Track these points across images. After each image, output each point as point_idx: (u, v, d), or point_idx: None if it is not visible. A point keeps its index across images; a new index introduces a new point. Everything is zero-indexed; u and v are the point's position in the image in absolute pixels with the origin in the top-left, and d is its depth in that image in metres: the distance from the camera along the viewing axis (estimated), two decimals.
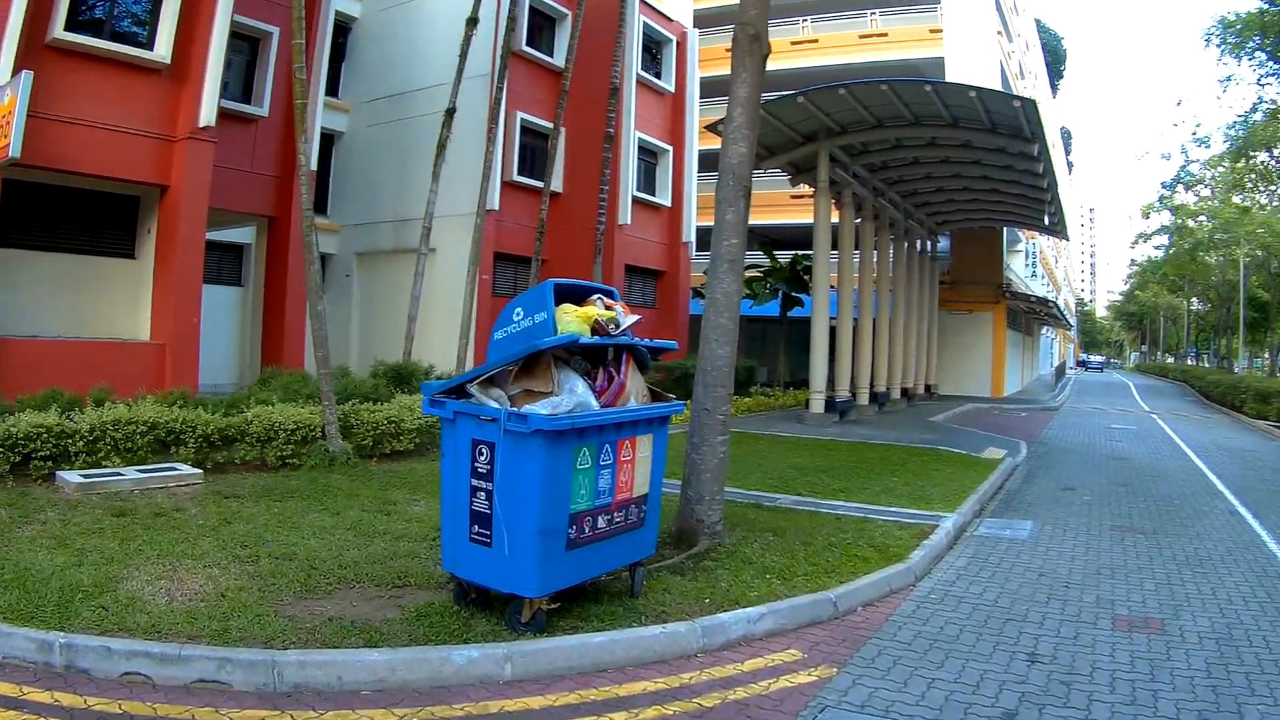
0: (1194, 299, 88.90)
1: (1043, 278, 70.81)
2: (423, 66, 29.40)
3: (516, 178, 29.21)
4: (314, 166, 20.97)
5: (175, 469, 13.01)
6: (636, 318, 8.52)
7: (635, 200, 32.30)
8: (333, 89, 31.70)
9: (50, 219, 18.93)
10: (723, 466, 10.85)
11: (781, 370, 37.45)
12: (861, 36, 43.42)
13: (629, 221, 31.58)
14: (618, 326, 8.19)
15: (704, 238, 36.80)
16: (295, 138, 18.01)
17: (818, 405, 26.43)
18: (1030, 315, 56.94)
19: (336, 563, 8.86)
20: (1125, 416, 37.50)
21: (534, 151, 30.00)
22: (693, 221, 35.67)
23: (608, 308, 8.39)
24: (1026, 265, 58.02)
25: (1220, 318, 75.97)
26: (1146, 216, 68.03)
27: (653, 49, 34.68)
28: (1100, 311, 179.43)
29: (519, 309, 8.09)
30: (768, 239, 39.50)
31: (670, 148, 34.62)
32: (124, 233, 19.84)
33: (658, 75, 34.63)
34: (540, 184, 27.19)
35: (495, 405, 7.61)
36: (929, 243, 39.31)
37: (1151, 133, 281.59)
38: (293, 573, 8.41)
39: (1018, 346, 52.48)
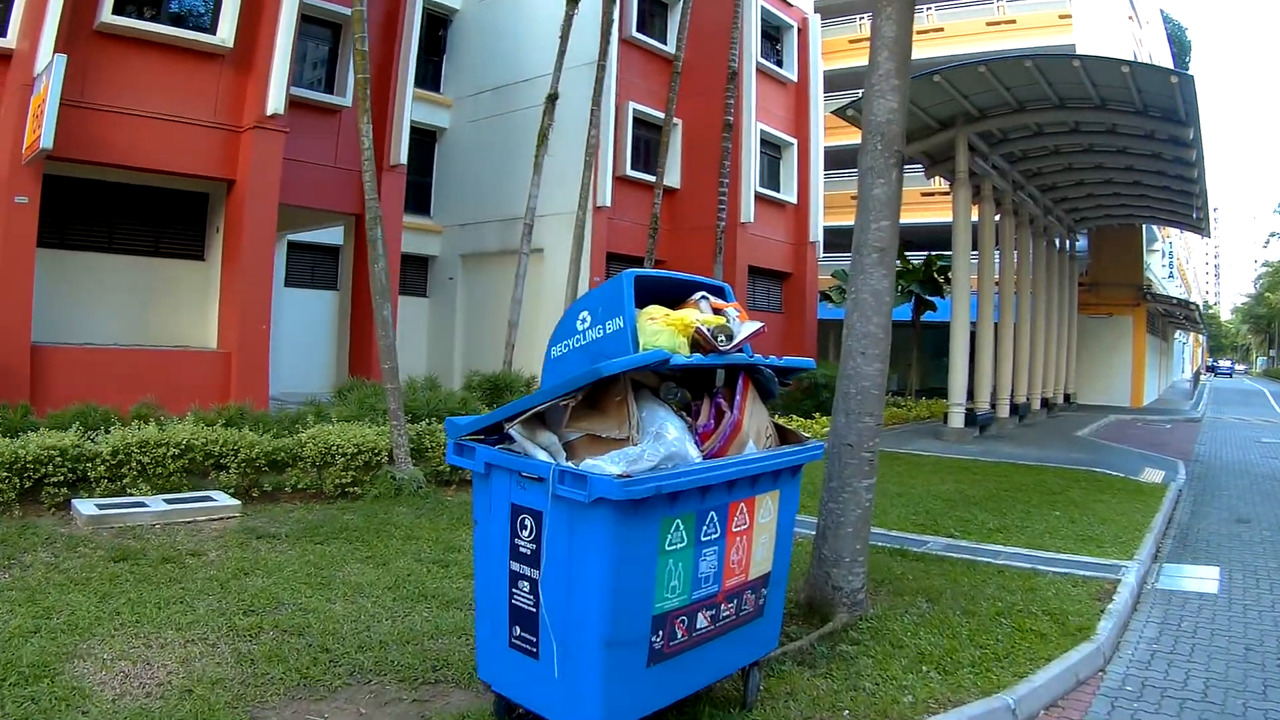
0: None
1: (1177, 279, 66.30)
2: (526, 56, 27.50)
3: (629, 172, 27.22)
4: (403, 159, 21.09)
5: (211, 499, 11.12)
6: (758, 325, 5.87)
7: (758, 196, 29.72)
8: (434, 84, 30.64)
9: (110, 218, 17.48)
10: (868, 518, 8.11)
11: (913, 379, 34.48)
12: (989, 24, 40.18)
13: (752, 219, 29.05)
14: (730, 338, 5.55)
15: (829, 239, 35.35)
16: (380, 128, 17.83)
17: (957, 419, 23.54)
18: (1167, 319, 52.92)
19: (358, 642, 6.75)
20: (1269, 427, 34.10)
21: (649, 145, 27.93)
22: (819, 220, 32.83)
23: (716, 311, 5.76)
24: (1164, 265, 53.93)
25: None
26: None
27: (772, 35, 31.91)
28: (1224, 315, 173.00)
29: (585, 312, 5.62)
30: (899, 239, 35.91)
31: (794, 141, 31.84)
32: (192, 233, 18.34)
33: (779, 63, 31.82)
34: (650, 177, 25.22)
35: (544, 456, 5.05)
36: (1068, 241, 35.96)
37: None
38: (296, 656, 6.38)
39: (1155, 352, 48.38)
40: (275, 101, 16.63)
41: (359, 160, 19.55)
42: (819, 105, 32.56)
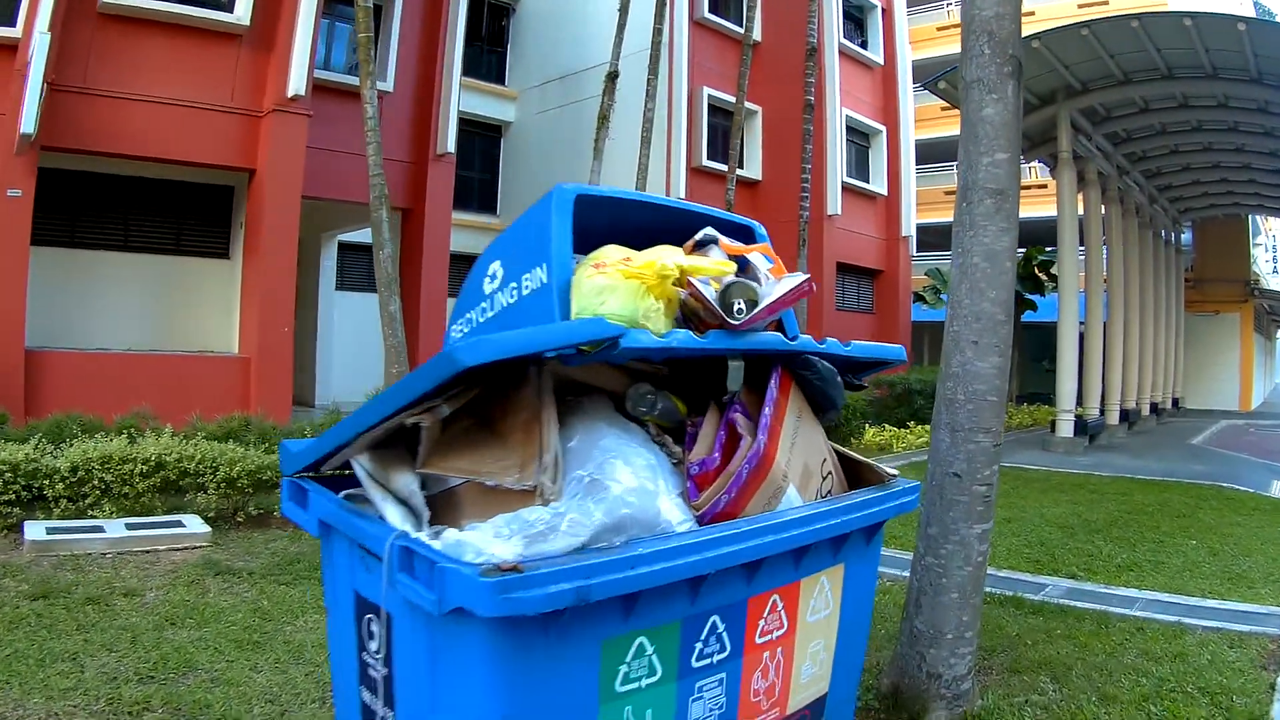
0: None
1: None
2: (591, 41, 25.48)
3: (706, 163, 24.89)
4: (450, 148, 19.31)
5: (180, 524, 9.25)
6: (801, 279, 3.34)
7: (845, 187, 26.98)
8: (498, 76, 29.21)
9: (125, 213, 15.89)
10: (980, 579, 5.47)
11: (1015, 384, 31.12)
12: (1080, 6, 37.05)
13: (839, 211, 26.34)
14: (753, 304, 3.08)
15: (922, 237, 32.84)
16: (425, 115, 17.67)
17: (1066, 428, 20.67)
18: (1271, 316, 48.09)
19: None
20: None
21: (729, 135, 25.00)
22: (911, 214, 29.89)
23: (735, 258, 3.34)
24: (1268, 260, 49.43)
25: None
26: None
27: (856, 17, 29.14)
28: None
29: (495, 263, 3.36)
30: None
31: (883, 128, 28.99)
32: (215, 228, 16.70)
33: (863, 45, 29.02)
34: (737, 171, 22.80)
35: (394, 515, 2.75)
36: (1173, 234, 32.77)
37: None
38: None
39: (1262, 351, 44.64)
40: (296, 82, 15.00)
41: (405, 149, 19.19)
42: (908, 91, 29.67)
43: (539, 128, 27.94)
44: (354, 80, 17.63)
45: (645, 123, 19.25)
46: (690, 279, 2.92)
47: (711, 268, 3.02)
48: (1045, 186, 28.20)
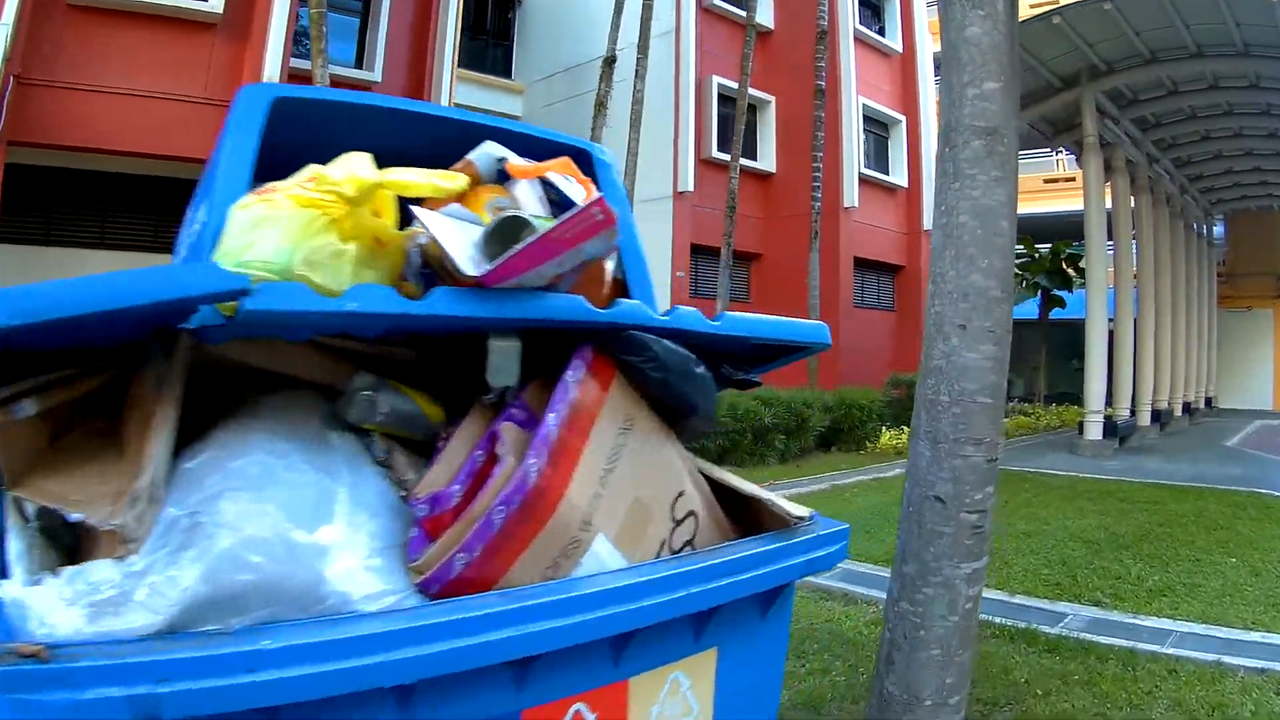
0: None
1: None
2: (598, 30, 23.65)
3: (715, 154, 23.68)
4: None
5: None
6: (586, 204, 1.98)
7: (862, 179, 25.63)
8: (504, 69, 28.33)
9: (103, 210, 15.50)
10: (971, 630, 4.17)
11: (1042, 383, 30.08)
12: None
13: (855, 204, 24.97)
14: (512, 236, 1.82)
15: None
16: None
17: (1095, 430, 19.19)
18: None
19: None
20: None
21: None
22: (933, 208, 28.01)
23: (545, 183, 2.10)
24: None
25: None
26: None
27: (872, 2, 27.88)
28: None
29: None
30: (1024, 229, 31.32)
31: (902, 118, 27.64)
32: None
33: (880, 32, 27.73)
34: (749, 163, 23.15)
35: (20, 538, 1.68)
36: (1205, 226, 31.18)
37: None
38: None
39: None
40: (271, 72, 14.36)
41: None
42: (928, 79, 28.24)
43: (546, 121, 25.66)
44: (345, 70, 17.23)
45: (634, 104, 18.40)
46: (419, 211, 1.75)
47: (426, 184, 1.84)
48: (1073, 180, 26.82)
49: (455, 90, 23.35)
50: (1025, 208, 31.15)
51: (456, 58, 19.20)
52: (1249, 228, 33.81)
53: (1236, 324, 33.87)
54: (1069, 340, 27.69)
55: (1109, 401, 20.43)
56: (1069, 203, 28.40)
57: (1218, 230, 33.99)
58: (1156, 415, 23.15)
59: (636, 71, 18.34)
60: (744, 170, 22.87)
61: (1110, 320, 20.55)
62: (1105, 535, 10.35)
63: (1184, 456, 18.44)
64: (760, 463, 15.53)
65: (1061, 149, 22.85)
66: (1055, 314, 29.28)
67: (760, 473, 14.34)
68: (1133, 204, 22.37)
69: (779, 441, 16.17)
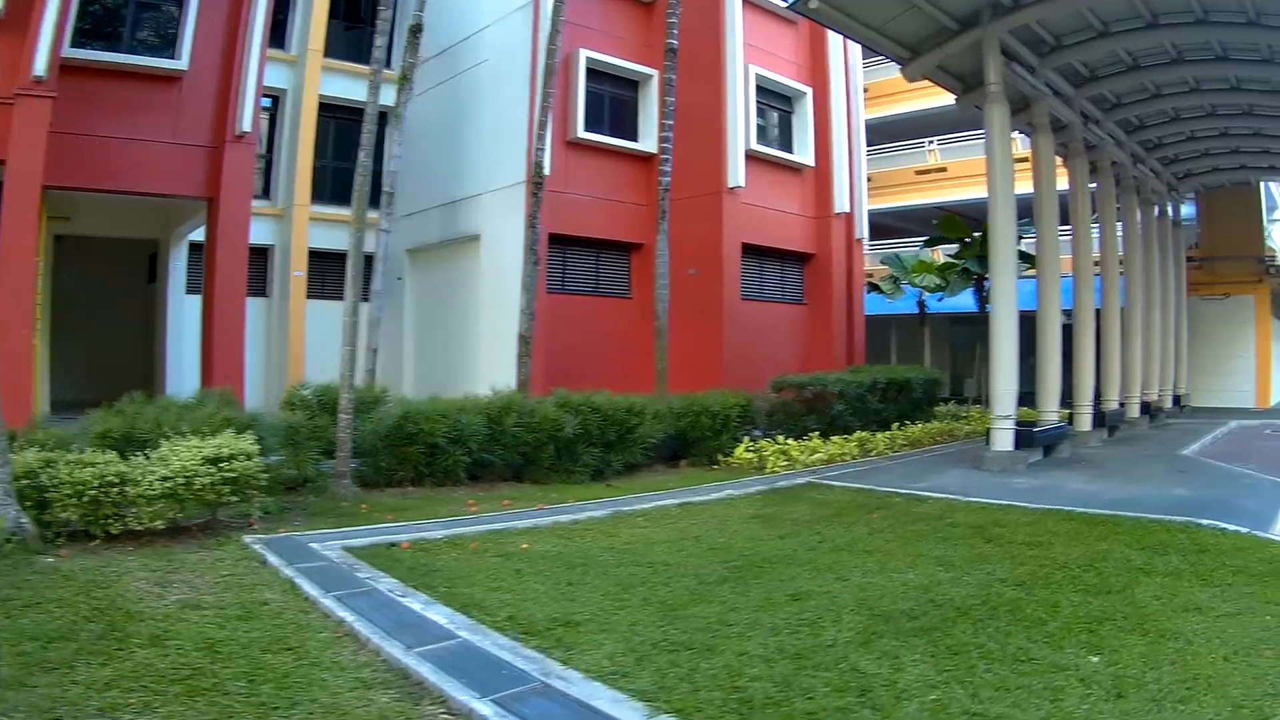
0: None
1: None
2: (469, 9, 22.19)
3: (583, 134, 20.12)
4: (247, 127, 16.46)
5: None
6: None
7: (754, 157, 21.34)
8: (386, 60, 23.96)
9: None
10: None
11: (984, 382, 25.12)
12: None
13: (741, 184, 20.62)
14: None
15: (886, 221, 29.38)
16: (224, 92, 15.97)
17: (1003, 439, 14.62)
18: None
19: None
20: None
21: (619, 104, 21.40)
22: (848, 190, 23.67)
23: None
24: None
25: None
26: None
27: None
28: None
29: None
30: (965, 217, 26.46)
31: (808, 90, 23.16)
32: None
33: None
34: (626, 144, 20.67)
35: None
36: (1171, 205, 26.47)
37: None
38: None
39: None
40: (41, 63, 13.28)
41: (206, 134, 16.52)
42: (839, 49, 23.61)
43: (418, 111, 22.84)
44: (148, 60, 15.91)
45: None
46: None
47: None
48: (1025, 160, 22.54)
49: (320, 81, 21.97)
50: (969, 193, 27.04)
51: (265, 44, 17.19)
52: (1221, 208, 28.97)
53: (1213, 312, 28.94)
54: (1023, 335, 23.10)
55: (1034, 404, 16.35)
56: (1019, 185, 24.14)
57: (1189, 211, 29.40)
58: (1101, 418, 18.63)
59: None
60: (621, 152, 20.74)
61: (1030, 312, 16.49)
62: (920, 601, 6.73)
63: (1121, 471, 14.18)
64: (566, 479, 12.86)
65: (974, 107, 18.14)
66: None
67: (551, 493, 11.82)
68: (1063, 164, 18.04)
69: (591, 455, 13.38)
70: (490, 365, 18.49)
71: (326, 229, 22.86)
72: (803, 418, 17.09)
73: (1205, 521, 9.58)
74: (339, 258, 22.28)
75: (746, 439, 15.26)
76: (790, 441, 15.42)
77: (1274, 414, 26.19)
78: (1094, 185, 19.98)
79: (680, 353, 19.10)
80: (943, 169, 30.24)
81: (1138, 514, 10.12)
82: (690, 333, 19.82)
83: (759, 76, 21.65)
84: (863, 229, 24.20)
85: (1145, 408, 21.71)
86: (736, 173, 20.54)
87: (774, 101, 22.82)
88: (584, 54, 20.21)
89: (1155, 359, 23.10)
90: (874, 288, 24.00)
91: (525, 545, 8.49)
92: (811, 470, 14.16)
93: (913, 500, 11.45)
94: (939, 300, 24.98)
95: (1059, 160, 18.18)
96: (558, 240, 19.68)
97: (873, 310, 25.94)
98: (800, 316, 23.09)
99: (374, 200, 23.68)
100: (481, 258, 20.28)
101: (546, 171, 18.79)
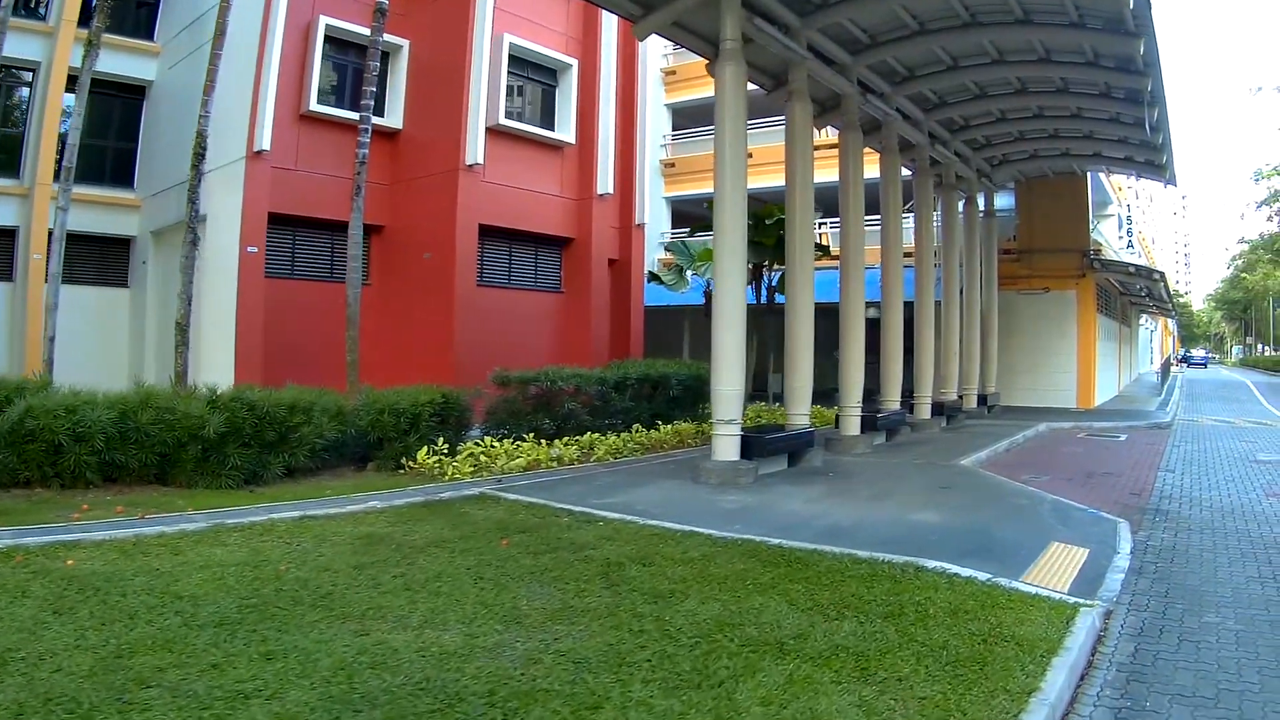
0: None
1: (1139, 253, 50.29)
2: None
3: (315, 108, 17.72)
4: None
5: None
6: None
7: (500, 132, 18.75)
8: (147, 32, 22.26)
9: None
10: None
11: (773, 380, 22.70)
12: None
13: (480, 161, 18.00)
14: None
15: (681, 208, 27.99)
16: None
17: (726, 448, 11.76)
18: (1127, 297, 38.54)
19: None
20: (1264, 433, 21.05)
21: (361, 76, 17.93)
22: (610, 169, 21.09)
23: None
24: (1121, 235, 39.65)
25: None
26: (1261, 178, 52.55)
27: None
28: (1196, 304, 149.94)
29: None
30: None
31: (574, 62, 20.50)
32: None
33: None
34: (374, 120, 16.93)
35: None
36: (982, 194, 24.08)
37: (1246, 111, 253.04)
38: None
39: (1113, 338, 35.31)
40: None
41: None
42: (614, 20, 20.94)
43: (174, 83, 20.64)
44: None
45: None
46: None
47: None
48: (835, 147, 20.08)
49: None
50: (764, 180, 24.44)
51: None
52: (1045, 199, 26.52)
53: (1033, 308, 26.77)
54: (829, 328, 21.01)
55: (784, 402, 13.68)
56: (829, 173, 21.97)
57: (1008, 201, 27.26)
58: (873, 422, 15.89)
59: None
60: (353, 125, 17.36)
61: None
62: (398, 683, 4.62)
63: (868, 488, 11.49)
64: (215, 483, 10.75)
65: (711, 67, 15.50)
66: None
67: (184, 499, 9.85)
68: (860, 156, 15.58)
69: (244, 457, 11.03)
70: (211, 358, 16.39)
71: (82, 211, 19.66)
72: (530, 417, 14.51)
73: (934, 564, 7.21)
74: (99, 241, 20.56)
75: (443, 441, 12.46)
76: (498, 444, 12.90)
77: (1096, 414, 23.80)
78: (900, 172, 17.65)
79: (413, 344, 17.24)
80: (749, 154, 27.56)
81: (849, 550, 7.72)
82: (425, 323, 17.51)
83: (516, 46, 18.95)
84: (644, 214, 21.66)
85: (939, 409, 19.23)
86: (475, 149, 17.84)
87: (535, 74, 20.14)
88: (324, 21, 17.64)
89: (954, 356, 20.63)
90: (654, 278, 21.32)
91: (70, 561, 6.87)
92: (503, 478, 11.64)
93: (580, 522, 8.97)
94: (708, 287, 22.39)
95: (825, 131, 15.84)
96: (284, 221, 17.25)
97: (667, 301, 23.63)
98: (558, 306, 20.48)
99: (125, 180, 21.40)
100: (206, 240, 17.30)
101: (266, 146, 16.74)
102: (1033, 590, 6.58)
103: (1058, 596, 6.47)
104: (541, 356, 17.75)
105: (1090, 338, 26.25)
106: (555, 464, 12.85)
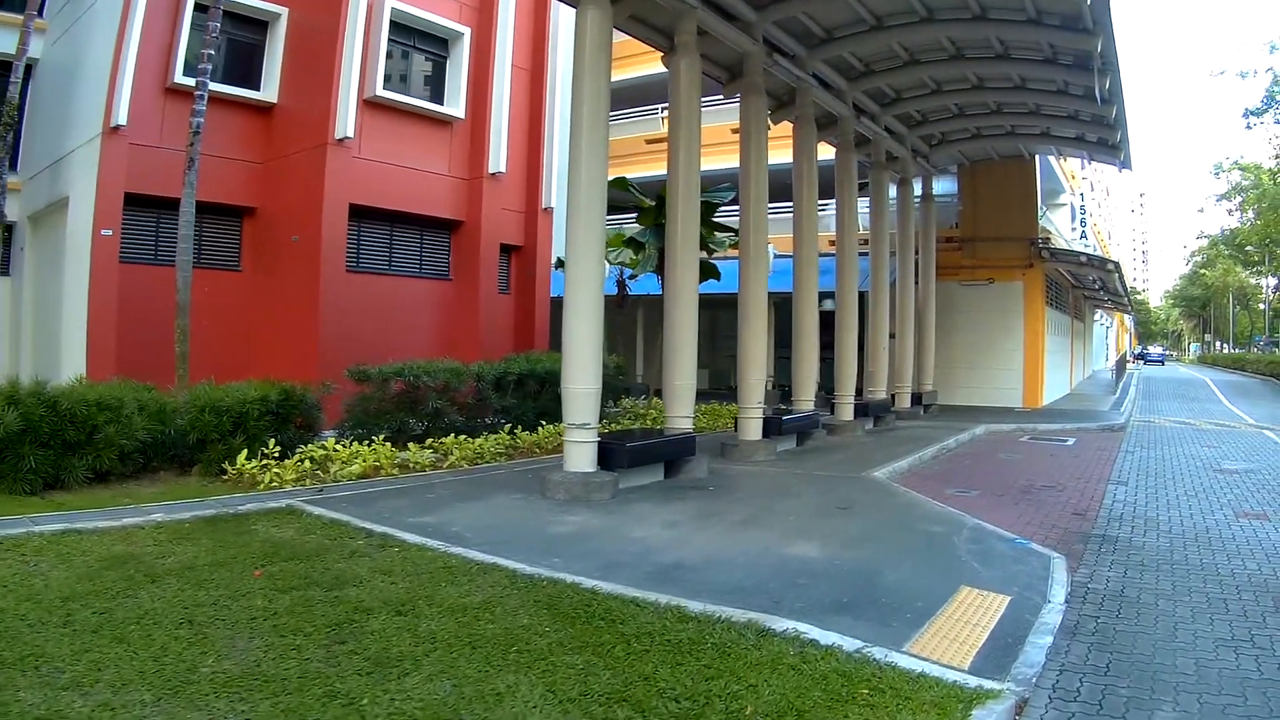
0: (1272, 274, 67.50)
1: (1092, 244, 46.68)
2: None
3: (181, 80, 15.61)
4: None
5: None
6: None
7: (378, 104, 16.77)
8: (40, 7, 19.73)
9: None
10: None
11: (652, 372, 21.11)
12: None
13: (350, 134, 15.92)
14: None
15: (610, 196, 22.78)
16: None
17: (580, 456, 9.73)
18: (1080, 290, 35.60)
19: None
20: (1229, 436, 18.58)
21: (238, 47, 17.01)
22: (504, 147, 18.95)
23: None
24: (1074, 226, 37.05)
25: None
26: (1221, 172, 50.84)
27: None
28: (1154, 301, 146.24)
29: None
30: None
31: (466, 30, 18.33)
32: None
33: None
34: (238, 91, 16.40)
35: None
36: (921, 177, 22.10)
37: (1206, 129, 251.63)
38: None
39: (1064, 333, 32.10)
40: None
41: None
42: None
43: (57, 59, 18.59)
44: None
45: None
46: None
47: None
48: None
49: None
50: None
51: None
52: (990, 184, 24.35)
53: (975, 300, 24.59)
54: (730, 320, 19.03)
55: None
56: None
57: (950, 186, 25.18)
58: (778, 425, 13.66)
59: None
60: (231, 101, 16.27)
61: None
62: None
63: (746, 506, 9.38)
64: (8, 490, 9.26)
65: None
66: (711, 288, 19.61)
67: None
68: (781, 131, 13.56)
69: (42, 458, 9.49)
70: (71, 352, 14.83)
71: None
72: (391, 416, 12.69)
73: (786, 625, 5.27)
74: None
75: (274, 443, 10.64)
76: (341, 448, 11.11)
77: (1042, 415, 21.61)
78: (816, 147, 15.61)
79: (282, 336, 15.41)
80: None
81: (681, 599, 5.74)
82: (293, 313, 15.59)
83: (399, 12, 16.91)
84: (553, 198, 19.59)
85: (864, 410, 17.15)
86: (346, 121, 15.83)
87: (422, 43, 18.07)
88: None
89: (881, 350, 18.43)
90: (562, 265, 19.17)
91: None
92: (328, 487, 9.84)
93: (373, 547, 7.21)
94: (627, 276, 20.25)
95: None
96: (146, 202, 15.40)
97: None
98: (447, 294, 18.36)
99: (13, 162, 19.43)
100: (68, 223, 15.63)
101: (123, 121, 14.87)
102: (917, 667, 4.65)
103: (952, 678, 4.53)
104: (427, 350, 15.79)
105: (1038, 332, 24.11)
106: (398, 471, 10.93)
